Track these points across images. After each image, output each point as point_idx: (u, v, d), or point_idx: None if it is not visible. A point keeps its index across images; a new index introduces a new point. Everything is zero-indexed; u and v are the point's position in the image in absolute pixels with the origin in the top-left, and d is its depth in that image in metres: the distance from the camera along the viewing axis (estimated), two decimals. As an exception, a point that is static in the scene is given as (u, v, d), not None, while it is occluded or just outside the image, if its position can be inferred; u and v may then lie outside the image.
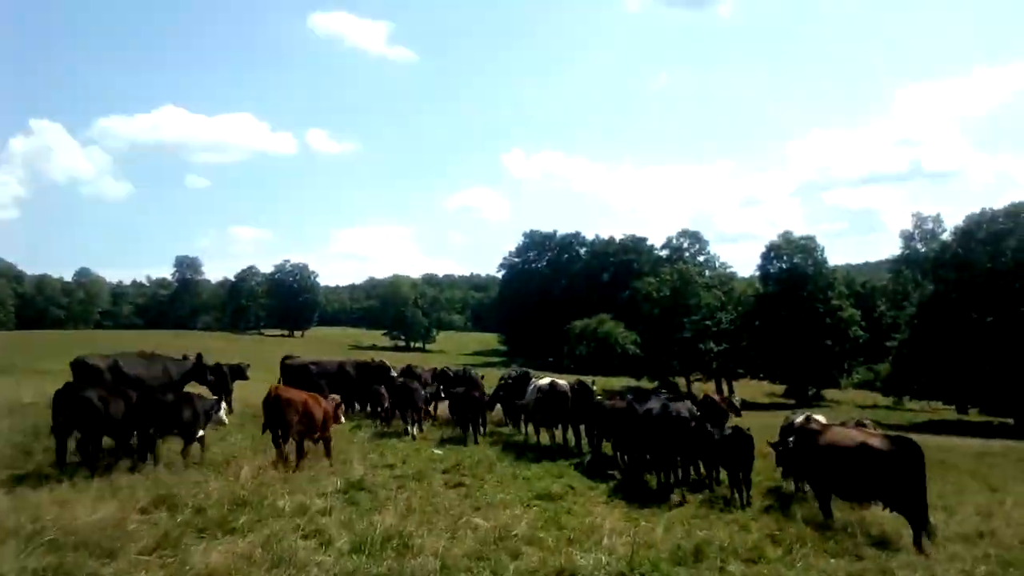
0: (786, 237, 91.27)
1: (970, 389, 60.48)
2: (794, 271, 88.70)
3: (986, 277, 60.79)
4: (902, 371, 66.43)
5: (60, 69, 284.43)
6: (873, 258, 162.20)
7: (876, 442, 11.18)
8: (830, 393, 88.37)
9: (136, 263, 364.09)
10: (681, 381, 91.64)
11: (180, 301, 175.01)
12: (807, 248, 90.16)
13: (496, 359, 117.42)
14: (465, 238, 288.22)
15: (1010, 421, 58.17)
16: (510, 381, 22.11)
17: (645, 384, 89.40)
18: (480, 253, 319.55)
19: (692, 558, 8.87)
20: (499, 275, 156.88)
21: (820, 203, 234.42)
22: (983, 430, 50.28)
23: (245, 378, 22.58)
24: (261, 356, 38.23)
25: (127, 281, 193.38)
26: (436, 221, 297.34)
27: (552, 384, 17.40)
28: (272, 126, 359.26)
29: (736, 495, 12.92)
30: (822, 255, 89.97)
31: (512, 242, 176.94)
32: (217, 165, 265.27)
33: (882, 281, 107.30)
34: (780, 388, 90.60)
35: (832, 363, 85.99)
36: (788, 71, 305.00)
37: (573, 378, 19.05)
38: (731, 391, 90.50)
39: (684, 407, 14.01)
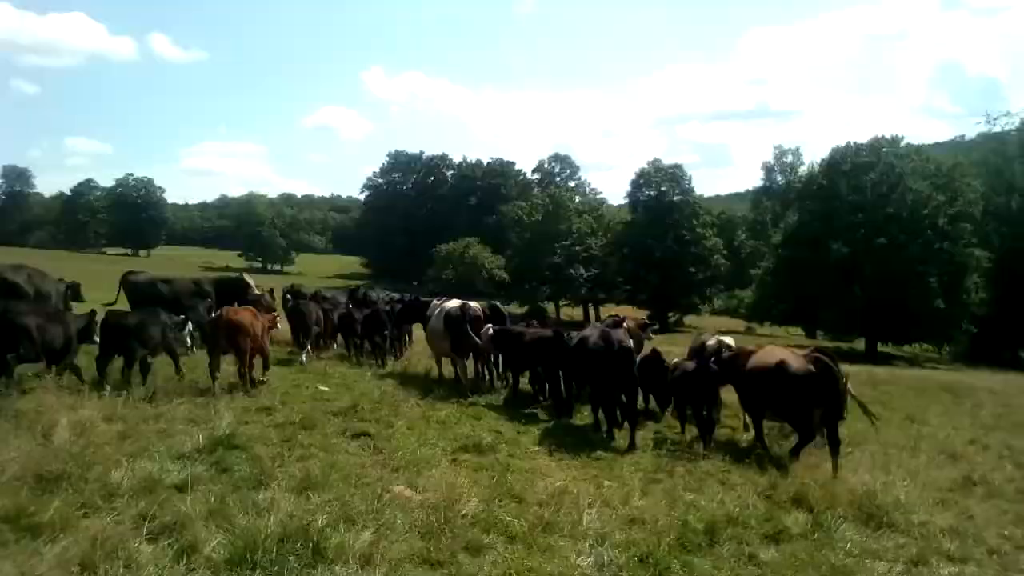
0: (655, 165, 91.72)
1: (825, 315, 62.92)
2: (662, 199, 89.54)
3: (848, 208, 62.64)
4: (766, 297, 68.24)
5: None
6: (723, 191, 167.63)
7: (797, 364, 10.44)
8: (690, 319, 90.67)
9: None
10: (550, 307, 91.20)
11: (8, 215, 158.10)
12: (675, 177, 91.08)
13: (358, 282, 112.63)
14: (323, 158, 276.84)
15: (857, 347, 61.31)
16: (399, 304, 19.38)
17: (514, 309, 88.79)
18: (340, 175, 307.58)
19: (707, 541, 6.62)
20: (361, 197, 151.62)
21: (675, 136, 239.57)
22: (841, 356, 52.14)
23: (79, 299, 18.56)
24: (100, 275, 33.01)
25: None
26: (292, 139, 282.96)
27: (464, 307, 14.84)
28: (110, 28, 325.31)
29: (700, 442, 10.92)
30: (689, 184, 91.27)
31: (373, 164, 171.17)
32: (48, 68, 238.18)
33: (739, 212, 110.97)
34: (642, 314, 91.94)
35: (695, 290, 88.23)
36: (649, 5, 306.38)
37: (483, 302, 16.36)
38: (598, 316, 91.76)
39: (623, 335, 11.76)
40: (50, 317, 12.05)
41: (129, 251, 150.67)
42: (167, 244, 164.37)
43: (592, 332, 12.09)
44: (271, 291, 21.19)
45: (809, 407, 10.10)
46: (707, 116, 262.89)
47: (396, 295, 23.38)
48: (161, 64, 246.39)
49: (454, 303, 15.46)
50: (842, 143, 66.36)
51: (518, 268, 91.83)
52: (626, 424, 11.39)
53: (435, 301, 16.50)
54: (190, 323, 16.12)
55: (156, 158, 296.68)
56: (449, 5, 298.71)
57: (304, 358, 16.66)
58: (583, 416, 12.85)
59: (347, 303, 19.75)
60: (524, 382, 14.74)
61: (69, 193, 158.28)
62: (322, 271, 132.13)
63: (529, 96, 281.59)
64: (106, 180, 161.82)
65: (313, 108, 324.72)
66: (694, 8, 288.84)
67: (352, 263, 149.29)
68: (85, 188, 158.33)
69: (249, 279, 20.12)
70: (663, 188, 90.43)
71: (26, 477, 6.58)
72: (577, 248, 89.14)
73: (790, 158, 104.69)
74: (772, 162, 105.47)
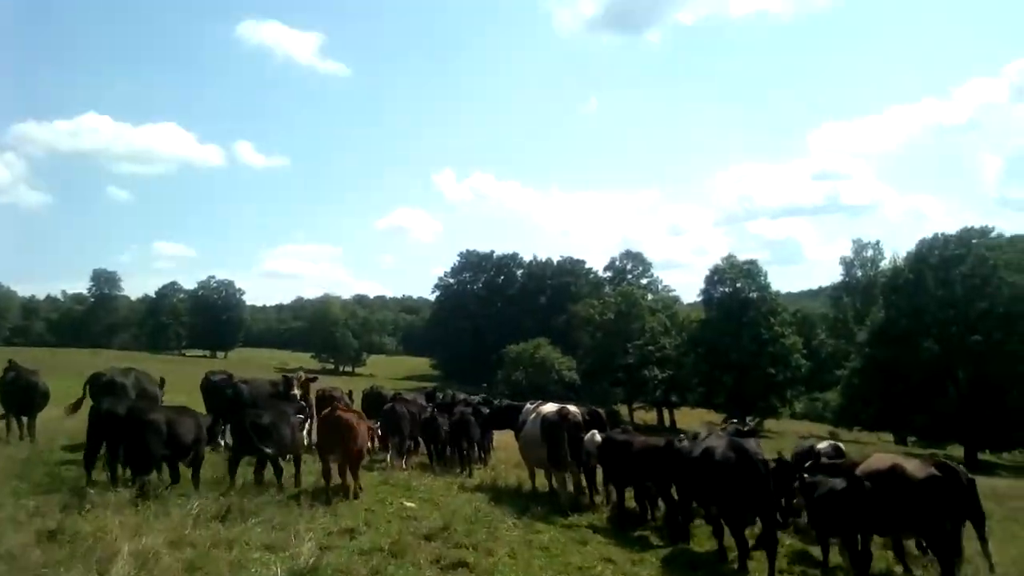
0: (730, 261, 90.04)
1: (918, 419, 59.26)
2: (737, 295, 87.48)
3: (938, 304, 59.95)
4: (853, 400, 64.93)
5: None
6: (795, 288, 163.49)
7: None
8: (769, 423, 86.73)
9: (52, 277, 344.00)
10: (623, 409, 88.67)
11: (96, 318, 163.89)
12: (750, 272, 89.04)
13: (428, 383, 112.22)
14: (395, 260, 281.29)
15: (953, 454, 57.25)
16: (484, 408, 18.43)
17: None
18: (410, 275, 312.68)
19: None
20: (431, 297, 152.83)
21: (743, 233, 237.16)
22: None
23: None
24: (182, 377, 33.03)
25: (40, 296, 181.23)
26: (366, 242, 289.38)
27: (563, 412, 13.66)
28: (199, 137, 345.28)
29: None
30: (765, 280, 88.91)
31: (443, 265, 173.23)
32: (140, 175, 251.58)
33: (817, 310, 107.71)
34: (718, 417, 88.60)
35: (774, 392, 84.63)
36: (711, 104, 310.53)
37: (583, 407, 15.00)
38: (673, 420, 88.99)
39: (757, 446, 10.36)
40: (180, 414, 12.06)
41: (207, 353, 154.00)
42: (244, 346, 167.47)
43: (717, 442, 10.63)
44: (349, 393, 20.47)
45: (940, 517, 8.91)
46: (775, 212, 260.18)
47: (475, 398, 22.33)
48: (245, 169, 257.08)
49: (551, 407, 14.28)
50: (928, 235, 64.02)
51: (590, 369, 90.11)
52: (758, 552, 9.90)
53: (528, 405, 15.33)
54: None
55: (237, 261, 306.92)
56: (518, 108, 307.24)
57: (390, 463, 15.78)
58: (702, 540, 11.36)
59: (431, 406, 18.75)
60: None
61: (154, 295, 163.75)
62: (393, 372, 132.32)
63: (595, 196, 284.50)
64: (189, 283, 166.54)
65: (386, 211, 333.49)
66: (758, 106, 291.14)
67: (422, 364, 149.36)
68: (169, 290, 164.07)
69: (296, 383, 18.62)
70: (738, 284, 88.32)
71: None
72: (651, 348, 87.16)
73: (870, 252, 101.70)
74: (851, 256, 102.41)
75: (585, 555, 9.97)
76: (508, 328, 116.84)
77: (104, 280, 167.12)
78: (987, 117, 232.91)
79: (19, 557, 7.41)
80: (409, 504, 11.83)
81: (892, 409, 60.49)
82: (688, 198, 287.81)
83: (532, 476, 15.03)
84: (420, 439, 17.77)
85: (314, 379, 18.75)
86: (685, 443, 11.49)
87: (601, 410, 14.98)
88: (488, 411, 18.41)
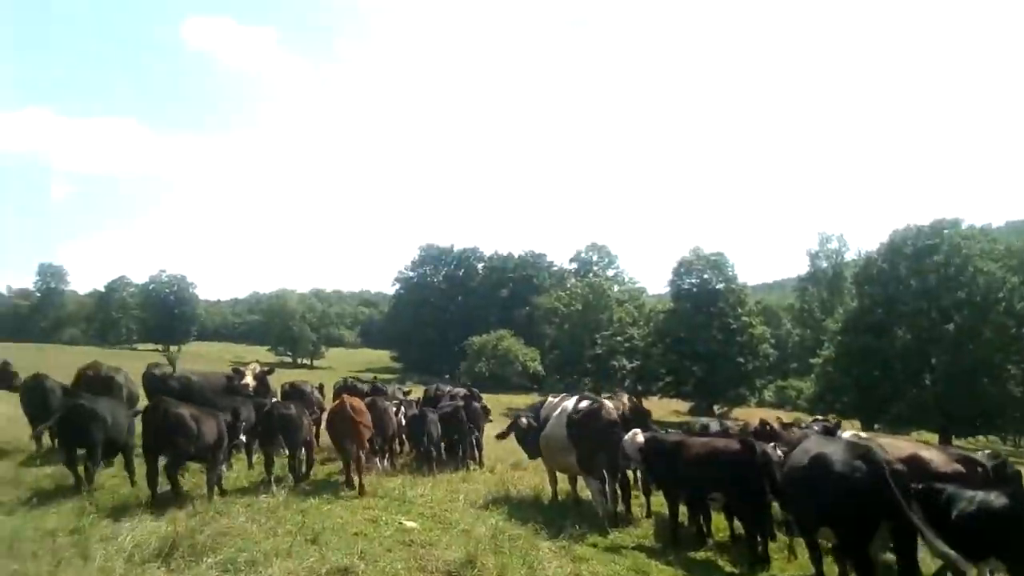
0: (697, 252, 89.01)
1: (894, 407, 58.77)
2: (704, 286, 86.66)
3: (912, 293, 59.50)
4: (828, 388, 64.18)
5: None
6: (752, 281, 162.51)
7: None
8: (736, 412, 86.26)
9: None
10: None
11: (43, 313, 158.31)
12: (718, 264, 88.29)
13: (388, 376, 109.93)
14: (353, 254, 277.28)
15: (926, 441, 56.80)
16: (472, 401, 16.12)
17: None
18: (367, 270, 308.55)
19: None
20: (391, 291, 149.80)
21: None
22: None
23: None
24: (135, 371, 30.22)
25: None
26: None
27: (596, 407, 11.13)
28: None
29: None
30: (733, 271, 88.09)
31: (400, 260, 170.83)
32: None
33: (774, 302, 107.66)
34: (685, 406, 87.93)
35: (744, 380, 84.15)
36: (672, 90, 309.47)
37: (619, 400, 12.32)
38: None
39: (882, 453, 8.01)
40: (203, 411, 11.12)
41: (160, 347, 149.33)
42: (198, 340, 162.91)
43: (828, 446, 8.24)
44: (320, 387, 18.02)
45: None
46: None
47: (461, 390, 19.78)
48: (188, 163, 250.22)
49: (579, 401, 11.72)
50: (900, 226, 63.35)
51: (556, 360, 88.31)
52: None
53: (550, 398, 12.84)
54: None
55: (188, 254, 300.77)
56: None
57: (381, 466, 13.74)
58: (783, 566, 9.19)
59: (416, 400, 16.34)
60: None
61: (103, 290, 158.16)
62: (352, 365, 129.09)
63: (558, 187, 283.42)
64: (140, 276, 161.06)
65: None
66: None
67: (382, 357, 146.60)
68: (119, 284, 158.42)
69: (248, 373, 16.42)
70: (705, 276, 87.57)
71: None
72: (619, 339, 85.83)
73: (834, 244, 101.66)
74: (816, 249, 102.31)
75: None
76: (470, 321, 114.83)
77: (51, 274, 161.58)
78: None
79: None
80: (409, 524, 9.42)
81: (867, 396, 59.92)
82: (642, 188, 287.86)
83: (553, 483, 12.66)
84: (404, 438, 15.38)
85: (270, 371, 16.83)
86: (775, 449, 9.26)
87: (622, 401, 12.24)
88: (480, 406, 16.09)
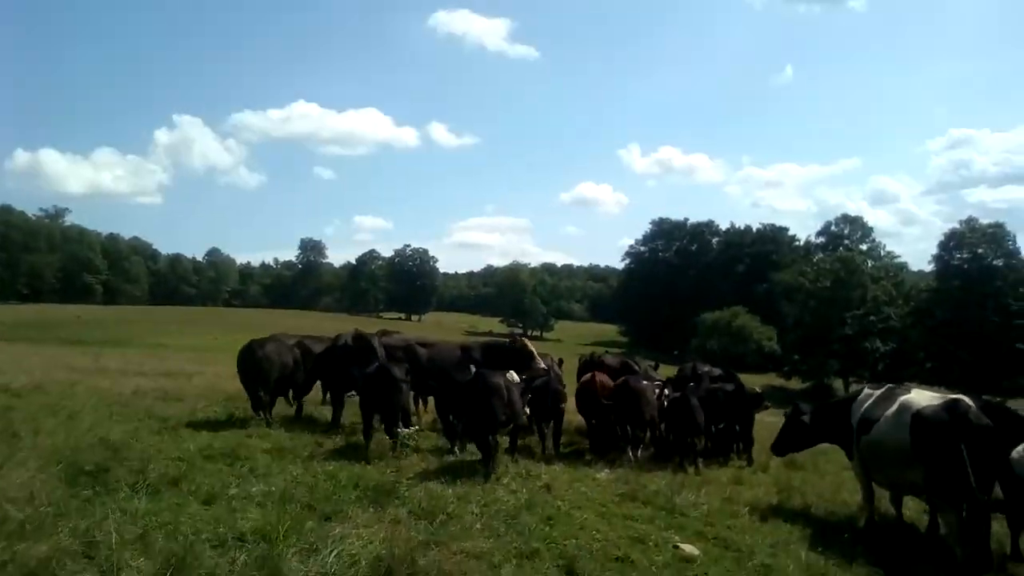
0: (971, 224, 79.27)
1: None
2: (979, 262, 76.68)
3: None
4: None
5: (200, 68, 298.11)
6: None
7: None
8: (1015, 403, 75.25)
9: (265, 247, 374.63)
10: (838, 383, 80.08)
11: (303, 283, 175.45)
12: (995, 237, 77.96)
13: (616, 350, 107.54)
14: (580, 231, 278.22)
15: None
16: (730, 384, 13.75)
17: (794, 385, 78.96)
18: (595, 247, 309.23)
19: None
20: (620, 266, 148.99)
21: (960, 200, 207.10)
22: None
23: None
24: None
25: (255, 263, 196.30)
26: (552, 214, 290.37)
27: (958, 408, 7.97)
28: (396, 120, 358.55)
29: None
30: (1015, 246, 77.08)
31: (629, 236, 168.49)
32: (344, 157, 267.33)
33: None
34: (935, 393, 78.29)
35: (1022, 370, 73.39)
36: (918, 70, 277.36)
37: (977, 400, 8.73)
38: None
39: None
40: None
41: (403, 316, 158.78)
42: (437, 310, 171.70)
43: None
44: (560, 361, 16.46)
45: None
46: (997, 178, 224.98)
47: (717, 369, 17.23)
48: (438, 149, 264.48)
49: (926, 396, 8.68)
50: None
51: (799, 340, 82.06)
52: None
53: (867, 389, 9.94)
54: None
55: (430, 233, 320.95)
56: (708, 81, 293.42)
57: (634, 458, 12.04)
58: None
59: (665, 381, 14.18)
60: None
61: (355, 263, 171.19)
62: (581, 338, 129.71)
63: (789, 168, 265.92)
64: (387, 252, 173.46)
65: (571, 185, 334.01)
66: (973, 69, 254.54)
67: (610, 331, 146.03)
68: (368, 257, 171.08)
69: (532, 347, 15.43)
70: (979, 250, 77.47)
71: None
72: (873, 318, 78.04)
73: None
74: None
75: None
76: (703, 297, 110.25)
77: (311, 248, 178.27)
78: None
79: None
80: (687, 548, 7.18)
81: None
82: (894, 167, 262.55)
83: (869, 502, 9.57)
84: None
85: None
86: None
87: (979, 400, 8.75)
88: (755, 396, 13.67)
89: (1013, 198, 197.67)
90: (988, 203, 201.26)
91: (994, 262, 76.84)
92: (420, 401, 15.68)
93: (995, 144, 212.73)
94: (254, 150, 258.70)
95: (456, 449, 11.30)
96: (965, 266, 77.14)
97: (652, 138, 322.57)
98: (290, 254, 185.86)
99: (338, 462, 9.56)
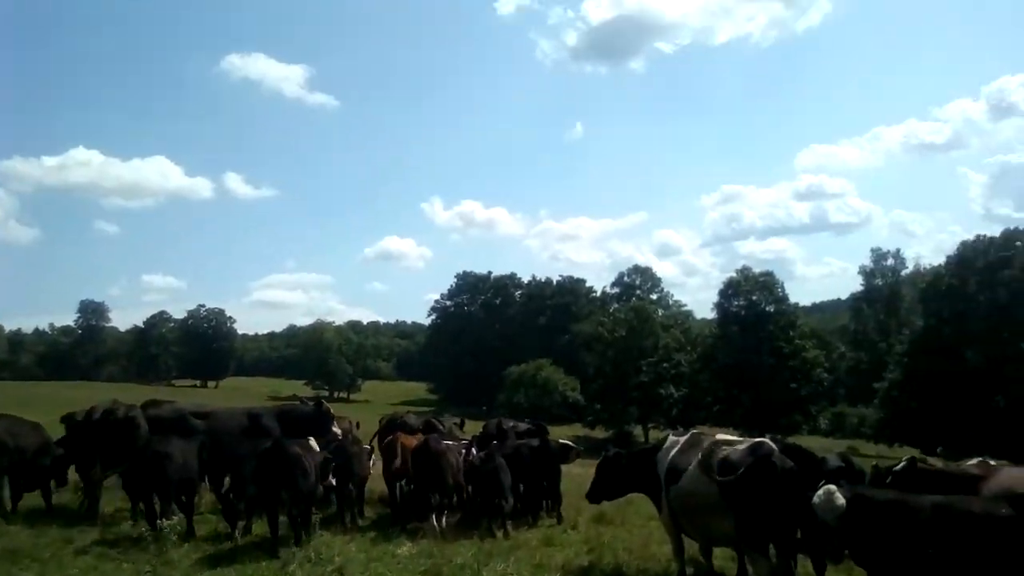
0: (745, 273, 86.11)
1: (954, 433, 54.55)
2: (754, 308, 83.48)
3: (983, 309, 55.74)
4: (894, 414, 60.27)
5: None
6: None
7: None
8: (792, 440, 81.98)
9: (41, 311, 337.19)
10: (637, 429, 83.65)
11: (83, 351, 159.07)
12: (767, 285, 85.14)
13: (426, 408, 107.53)
14: (385, 287, 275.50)
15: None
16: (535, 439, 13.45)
17: (598, 435, 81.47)
18: (402, 302, 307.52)
19: None
20: (426, 322, 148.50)
21: (733, 252, 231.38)
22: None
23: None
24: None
25: (27, 330, 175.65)
26: (356, 270, 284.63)
27: (763, 451, 7.95)
28: (187, 170, 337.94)
29: None
30: (783, 292, 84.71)
31: (434, 291, 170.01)
32: (129, 209, 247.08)
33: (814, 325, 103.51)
34: (735, 436, 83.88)
35: (797, 407, 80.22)
36: (696, 129, 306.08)
37: (777, 443, 8.68)
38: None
39: None
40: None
41: (198, 382, 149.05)
42: (236, 375, 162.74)
43: None
44: (357, 424, 15.55)
45: None
46: (763, 232, 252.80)
47: (523, 424, 16.95)
48: (234, 202, 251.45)
49: (731, 443, 8.68)
50: (970, 237, 59.86)
51: (600, 389, 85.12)
52: None
53: (672, 437, 9.75)
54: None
55: (228, 292, 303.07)
56: (504, 136, 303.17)
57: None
58: None
59: (471, 440, 13.56)
60: None
61: (143, 326, 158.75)
62: (389, 398, 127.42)
63: (583, 222, 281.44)
64: (179, 314, 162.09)
65: (375, 239, 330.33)
66: (742, 130, 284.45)
67: (418, 389, 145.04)
68: (159, 320, 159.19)
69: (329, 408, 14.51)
70: (754, 297, 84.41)
71: None
72: (665, 365, 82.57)
73: (890, 261, 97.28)
74: (871, 266, 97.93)
75: None
76: (508, 350, 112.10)
77: (92, 311, 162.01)
78: (969, 136, 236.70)
79: None
80: None
81: (934, 422, 56.03)
82: (676, 221, 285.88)
83: (679, 555, 9.36)
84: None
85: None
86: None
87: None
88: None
89: (777, 248, 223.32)
90: (757, 254, 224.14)
91: (767, 308, 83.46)
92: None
93: (759, 199, 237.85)
94: (25, 201, 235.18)
95: (237, 535, 10.09)
96: (742, 312, 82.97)
97: (454, 191, 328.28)
98: (68, 318, 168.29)
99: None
